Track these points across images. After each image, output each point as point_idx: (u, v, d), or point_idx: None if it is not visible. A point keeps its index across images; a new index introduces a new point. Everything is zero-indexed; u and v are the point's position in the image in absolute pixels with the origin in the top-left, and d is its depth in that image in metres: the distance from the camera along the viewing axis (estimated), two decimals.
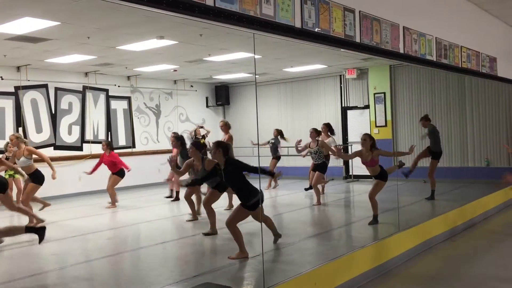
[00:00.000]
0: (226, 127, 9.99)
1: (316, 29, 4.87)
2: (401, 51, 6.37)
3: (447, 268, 5.64)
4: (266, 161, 12.04)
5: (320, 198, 9.51)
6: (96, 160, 10.21)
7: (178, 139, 9.64)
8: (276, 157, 11.95)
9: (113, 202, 9.99)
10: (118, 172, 10.00)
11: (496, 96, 12.11)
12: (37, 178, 7.79)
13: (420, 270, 5.63)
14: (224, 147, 5.55)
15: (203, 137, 14.45)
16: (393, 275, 5.39)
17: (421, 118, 9.68)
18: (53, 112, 12.10)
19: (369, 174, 7.49)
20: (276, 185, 11.95)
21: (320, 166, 9.44)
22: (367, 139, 7.18)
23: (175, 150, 9.87)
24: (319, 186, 9.82)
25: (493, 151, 12.20)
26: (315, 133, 9.49)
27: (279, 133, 12.07)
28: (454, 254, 6.34)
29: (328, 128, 10.38)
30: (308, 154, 9.51)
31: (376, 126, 13.47)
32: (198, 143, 7.32)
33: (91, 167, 10.13)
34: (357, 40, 5.50)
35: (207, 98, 16.07)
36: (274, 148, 11.92)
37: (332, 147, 9.62)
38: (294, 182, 12.82)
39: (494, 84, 11.48)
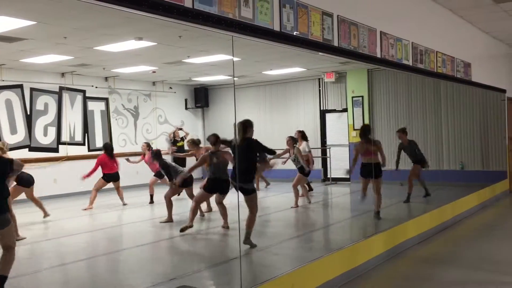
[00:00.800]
0: (193, 145, 9.61)
1: (295, 32, 4.90)
2: (378, 55, 6.46)
3: (421, 270, 5.73)
4: None
5: (298, 201, 9.57)
6: (75, 162, 10.14)
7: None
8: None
9: (91, 203, 9.95)
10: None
11: (470, 100, 12.36)
12: (23, 183, 7.89)
13: (392, 273, 5.69)
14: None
15: (182, 139, 14.40)
16: (368, 277, 5.44)
17: (399, 130, 9.67)
18: (28, 113, 11.88)
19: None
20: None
21: (301, 169, 9.57)
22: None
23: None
24: (299, 188, 9.94)
25: (468, 154, 12.44)
26: (292, 141, 9.63)
27: None
28: (428, 256, 6.44)
29: (302, 134, 10.52)
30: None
31: (354, 129, 13.59)
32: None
33: (70, 168, 10.11)
34: (335, 44, 5.56)
35: (186, 100, 16.00)
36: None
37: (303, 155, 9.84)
38: (275, 184, 12.83)
39: (468, 89, 11.73)
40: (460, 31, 9.55)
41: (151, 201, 10.45)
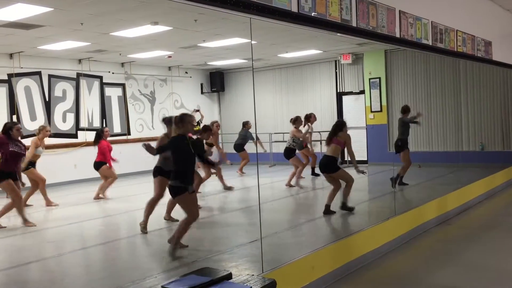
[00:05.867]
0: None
1: (313, 13, 4.83)
2: (397, 35, 6.34)
3: (442, 251, 5.70)
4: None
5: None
6: (94, 148, 10.06)
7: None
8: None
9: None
10: None
11: (490, 80, 12.13)
12: None
13: (416, 253, 5.68)
14: None
15: (198, 123, 14.42)
16: (390, 258, 5.44)
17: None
18: (47, 99, 12.02)
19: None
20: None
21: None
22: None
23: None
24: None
25: (488, 135, 12.25)
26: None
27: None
28: (448, 238, 6.41)
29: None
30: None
31: (372, 111, 13.48)
32: None
33: (90, 154, 10.11)
34: (354, 24, 5.47)
35: (201, 85, 16.00)
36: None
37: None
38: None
39: (489, 68, 11.50)
40: (480, 9, 9.32)
41: None
